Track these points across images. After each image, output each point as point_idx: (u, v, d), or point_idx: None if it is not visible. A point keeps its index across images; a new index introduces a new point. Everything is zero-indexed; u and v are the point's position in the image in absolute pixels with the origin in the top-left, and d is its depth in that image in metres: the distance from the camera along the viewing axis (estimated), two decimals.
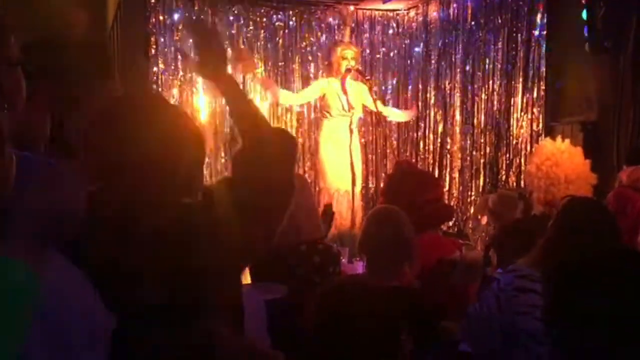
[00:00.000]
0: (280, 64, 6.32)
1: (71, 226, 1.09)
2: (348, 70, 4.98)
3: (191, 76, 5.97)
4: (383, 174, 6.58)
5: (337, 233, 4.82)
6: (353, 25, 6.32)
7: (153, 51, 5.61)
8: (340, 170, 4.96)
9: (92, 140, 1.37)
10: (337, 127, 5.05)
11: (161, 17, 5.70)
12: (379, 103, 5.05)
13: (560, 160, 3.76)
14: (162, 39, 5.72)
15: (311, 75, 6.31)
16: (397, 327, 1.42)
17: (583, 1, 4.48)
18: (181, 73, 5.91)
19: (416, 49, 6.62)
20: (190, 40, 1.54)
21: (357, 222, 4.77)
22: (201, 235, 1.35)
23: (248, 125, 1.49)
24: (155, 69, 5.63)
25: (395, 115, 5.50)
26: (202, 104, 5.98)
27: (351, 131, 4.93)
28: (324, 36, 6.42)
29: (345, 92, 5.03)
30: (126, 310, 1.27)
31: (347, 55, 5.03)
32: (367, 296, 1.41)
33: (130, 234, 1.31)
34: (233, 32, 6.00)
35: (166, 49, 5.77)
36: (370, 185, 6.69)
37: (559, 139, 3.91)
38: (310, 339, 1.40)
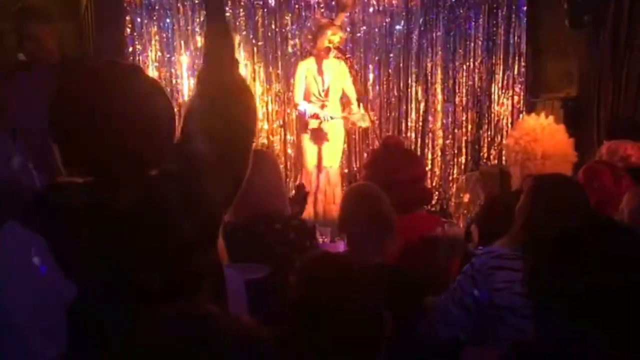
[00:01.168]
0: (259, 43, 6.25)
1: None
2: (327, 50, 4.90)
3: (170, 57, 5.88)
4: (365, 154, 6.57)
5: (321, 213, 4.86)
6: (316, 8, 6.11)
7: (128, 31, 5.50)
8: (314, 151, 4.99)
9: (60, 109, 1.33)
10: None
11: None
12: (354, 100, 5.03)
13: (539, 136, 3.75)
14: (138, 19, 5.62)
15: (291, 56, 6.24)
16: (381, 304, 1.41)
17: None
18: (159, 54, 5.81)
19: (397, 27, 6.56)
20: None
21: (321, 203, 4.85)
22: (170, 206, 1.32)
23: (216, 45, 1.45)
24: (130, 49, 5.52)
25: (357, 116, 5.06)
26: (181, 86, 5.89)
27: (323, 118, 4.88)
28: (303, 15, 6.34)
29: (321, 73, 4.96)
30: (104, 292, 1.24)
31: (335, 40, 4.91)
32: (349, 272, 1.39)
33: (102, 211, 1.28)
34: None
35: (143, 29, 5.67)
36: (353, 165, 6.68)
37: (542, 115, 3.90)
38: (290, 316, 1.38)
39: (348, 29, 6.53)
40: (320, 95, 4.99)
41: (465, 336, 2.03)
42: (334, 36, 4.91)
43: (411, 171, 3.00)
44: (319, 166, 4.96)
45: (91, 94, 1.32)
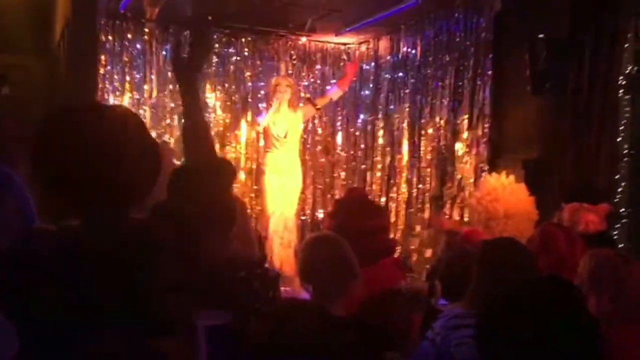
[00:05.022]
0: (232, 87, 6.37)
1: None
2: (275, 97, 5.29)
3: (139, 99, 5.89)
4: (330, 205, 6.61)
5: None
6: (287, 60, 6.56)
7: (102, 70, 5.51)
8: (279, 196, 5.26)
9: (40, 151, 1.32)
10: (276, 155, 5.31)
11: (110, 37, 5.63)
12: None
13: (500, 195, 3.84)
14: (110, 59, 5.65)
15: (262, 104, 6.34)
16: (345, 357, 1.40)
17: (526, 44, 4.66)
18: (129, 95, 5.82)
19: (366, 83, 6.73)
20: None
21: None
22: (152, 254, 1.31)
23: (195, 143, 1.47)
24: (100, 85, 5.51)
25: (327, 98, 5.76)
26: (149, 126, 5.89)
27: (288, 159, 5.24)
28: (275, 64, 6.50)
29: (279, 120, 5.31)
30: (78, 340, 1.22)
31: (282, 84, 5.35)
32: (314, 324, 1.38)
33: (77, 258, 1.27)
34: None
35: (114, 69, 5.69)
36: (317, 214, 6.71)
37: (503, 174, 3.99)
38: None
39: (319, 82, 6.71)
40: (278, 138, 5.29)
41: None
42: (277, 83, 5.37)
43: (375, 222, 3.02)
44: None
45: (71, 134, 1.31)
